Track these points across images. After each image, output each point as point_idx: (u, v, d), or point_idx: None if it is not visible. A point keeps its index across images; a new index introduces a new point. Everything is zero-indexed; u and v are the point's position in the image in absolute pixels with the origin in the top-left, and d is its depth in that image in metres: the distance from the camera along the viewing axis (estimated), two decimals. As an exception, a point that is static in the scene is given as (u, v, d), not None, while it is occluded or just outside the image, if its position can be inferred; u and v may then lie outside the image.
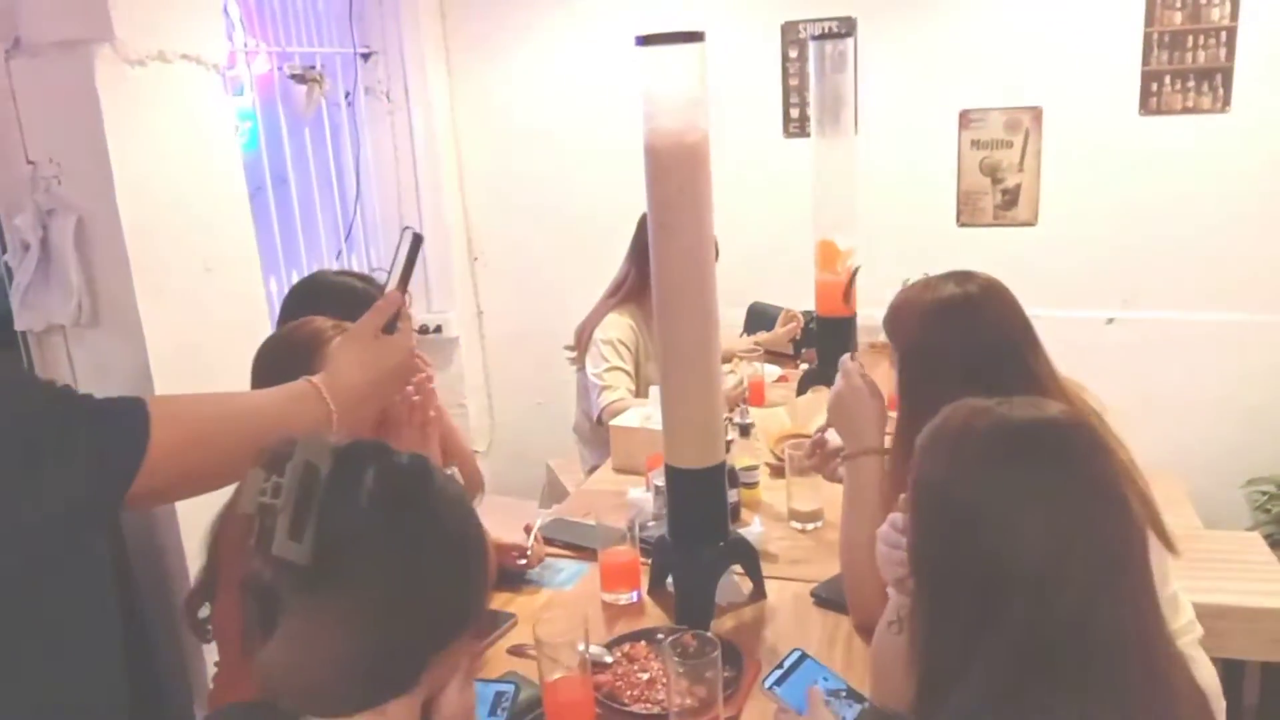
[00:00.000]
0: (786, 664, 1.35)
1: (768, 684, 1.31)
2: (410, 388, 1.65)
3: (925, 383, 1.45)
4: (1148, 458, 1.43)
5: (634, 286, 2.76)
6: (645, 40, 1.44)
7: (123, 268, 2.36)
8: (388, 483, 0.92)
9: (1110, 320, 3.33)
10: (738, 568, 1.75)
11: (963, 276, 1.51)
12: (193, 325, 2.49)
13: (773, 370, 3.02)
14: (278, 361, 1.61)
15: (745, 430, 2.14)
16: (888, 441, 1.61)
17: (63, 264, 2.34)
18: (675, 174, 1.51)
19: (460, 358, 3.84)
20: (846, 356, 1.71)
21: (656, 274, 1.58)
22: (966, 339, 1.44)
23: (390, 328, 1.25)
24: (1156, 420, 3.18)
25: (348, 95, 3.56)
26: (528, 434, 3.86)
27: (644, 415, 2.41)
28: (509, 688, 1.40)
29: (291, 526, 0.87)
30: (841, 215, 2.59)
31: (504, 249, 3.82)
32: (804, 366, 2.96)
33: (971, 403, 1.05)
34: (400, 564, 0.90)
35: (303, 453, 0.90)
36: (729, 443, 2.05)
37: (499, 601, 1.81)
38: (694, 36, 1.44)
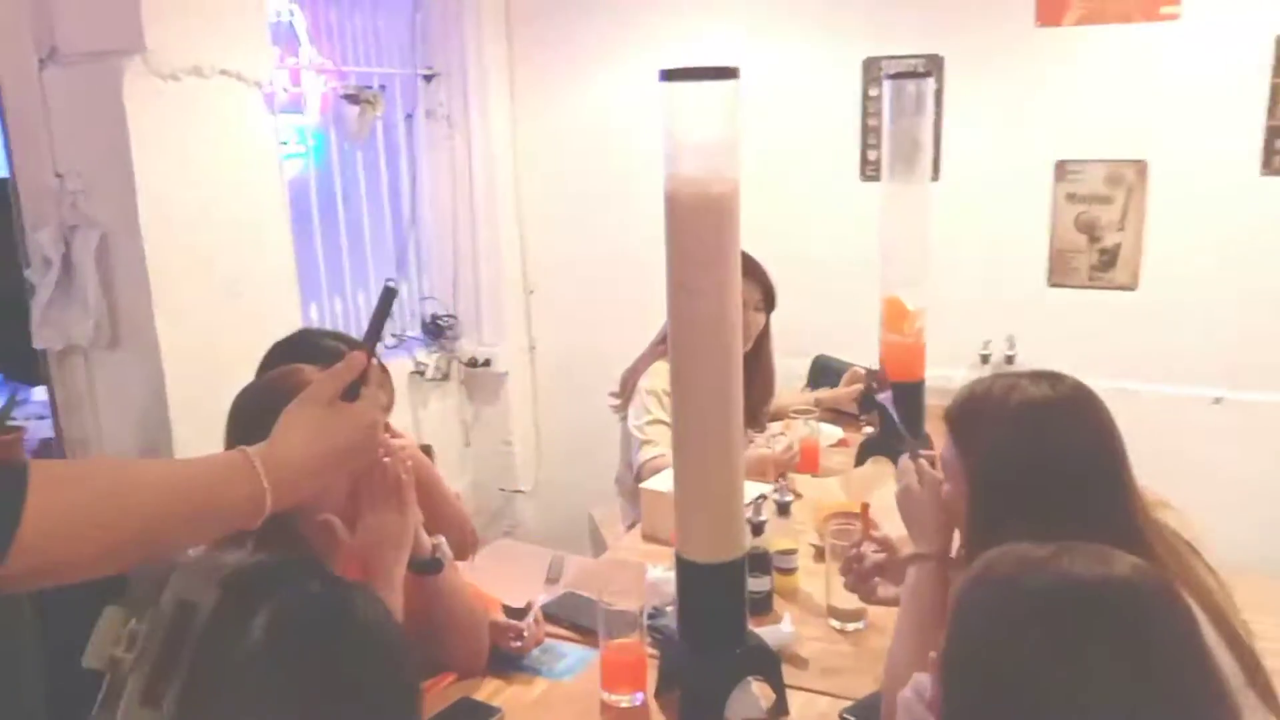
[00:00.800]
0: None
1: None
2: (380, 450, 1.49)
3: (995, 494, 1.25)
4: (1252, 556, 1.19)
5: None
6: (668, 75, 1.24)
7: (142, 288, 2.27)
8: (284, 625, 0.75)
9: (1217, 400, 2.99)
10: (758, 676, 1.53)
11: (1053, 378, 1.30)
12: (215, 349, 2.37)
13: (832, 432, 2.77)
14: (258, 414, 1.46)
15: (784, 509, 1.91)
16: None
17: (83, 282, 2.25)
18: (697, 228, 1.32)
19: (508, 394, 3.68)
20: (905, 458, 1.48)
21: (673, 338, 1.37)
22: (1052, 452, 1.23)
23: (351, 394, 1.08)
24: (1267, 514, 2.83)
25: (408, 117, 3.45)
26: (573, 477, 3.67)
27: (679, 479, 2.20)
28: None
29: (146, 690, 0.71)
30: (912, 270, 2.35)
31: (559, 282, 3.65)
32: (868, 431, 2.71)
33: (1021, 550, 0.83)
34: None
35: (177, 589, 0.73)
36: (760, 524, 1.83)
37: (487, 690, 1.62)
38: (726, 73, 1.24)
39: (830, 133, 3.27)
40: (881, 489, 1.96)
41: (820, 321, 3.17)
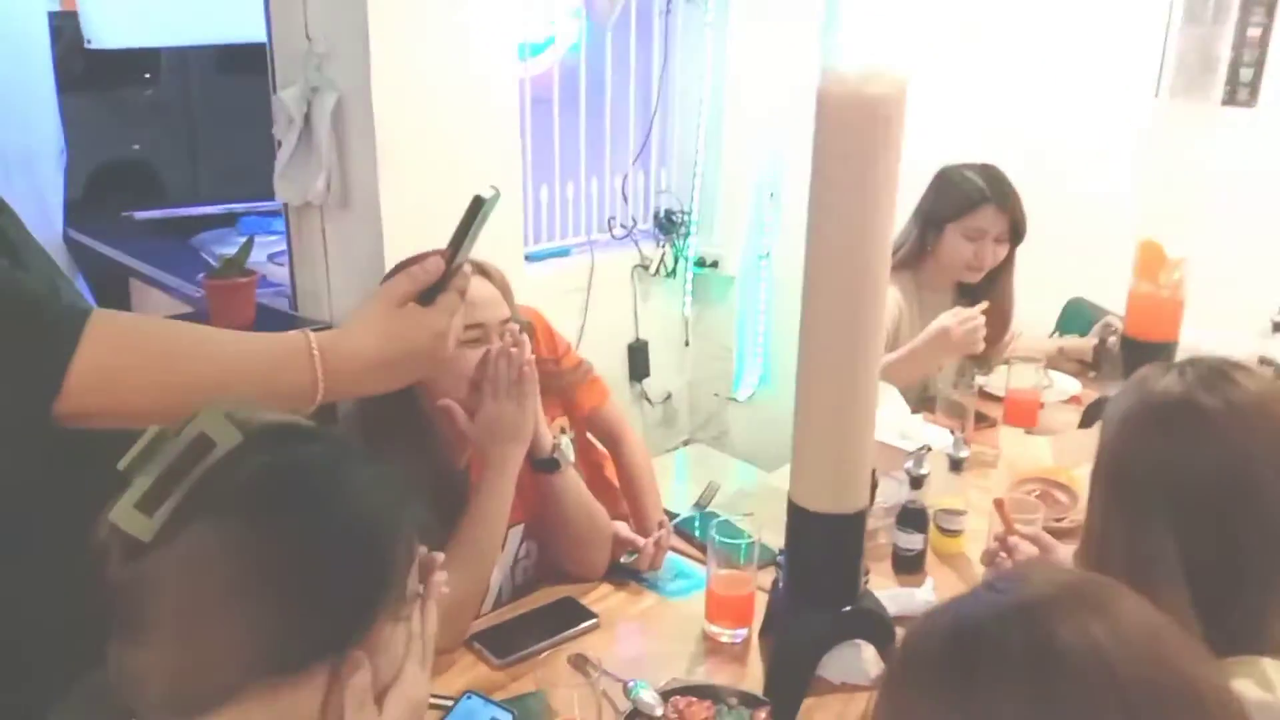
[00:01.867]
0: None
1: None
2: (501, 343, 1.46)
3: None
4: None
5: (912, 251, 2.33)
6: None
7: (369, 151, 2.36)
8: (264, 478, 0.75)
9: None
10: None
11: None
12: (431, 221, 2.44)
13: (1067, 386, 2.45)
14: None
15: (956, 465, 1.71)
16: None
17: (319, 141, 2.38)
18: (844, 137, 1.14)
19: (734, 298, 3.58)
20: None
21: (807, 264, 1.22)
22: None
23: (428, 298, 1.04)
24: None
25: (668, 2, 3.34)
26: (791, 394, 3.54)
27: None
28: (505, 717, 1.19)
29: (144, 497, 0.73)
30: (1177, 209, 1.97)
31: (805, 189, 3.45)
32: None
33: None
34: (261, 570, 0.73)
35: (204, 423, 0.75)
36: (920, 477, 1.64)
37: (592, 595, 1.59)
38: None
39: (1123, 43, 2.79)
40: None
41: (1081, 260, 2.78)
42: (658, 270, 3.43)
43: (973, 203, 2.23)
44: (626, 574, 1.64)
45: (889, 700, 0.68)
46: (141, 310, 3.56)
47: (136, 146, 5.87)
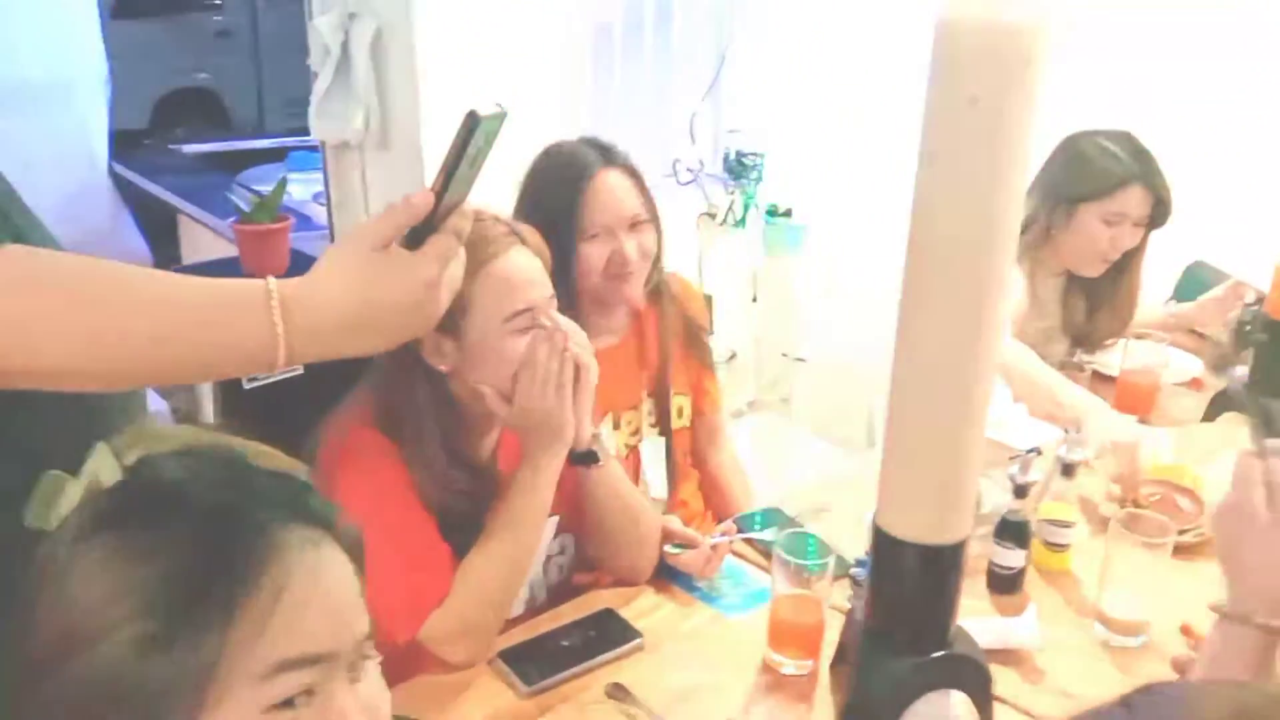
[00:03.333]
0: None
1: None
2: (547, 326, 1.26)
3: None
4: None
5: (1041, 231, 2.02)
6: None
7: (411, 87, 2.15)
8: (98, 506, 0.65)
9: None
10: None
11: None
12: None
13: (1184, 367, 2.16)
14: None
15: (1069, 470, 1.46)
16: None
17: (358, 74, 2.17)
18: (973, 76, 0.88)
19: (808, 250, 3.29)
20: (1248, 454, 0.99)
21: (911, 243, 0.97)
22: None
23: (415, 241, 0.83)
24: None
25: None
26: (863, 357, 3.28)
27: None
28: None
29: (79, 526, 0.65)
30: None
31: (908, 135, 3.13)
32: (1238, 373, 2.05)
33: None
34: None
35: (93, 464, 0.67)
36: (1025, 486, 1.40)
37: (639, 606, 1.39)
38: None
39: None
40: (1226, 460, 1.43)
41: (1208, 219, 2.45)
42: (725, 219, 3.18)
43: (1117, 182, 1.91)
44: (678, 577, 1.44)
45: None
46: (191, 250, 3.44)
47: (203, 75, 5.76)
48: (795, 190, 3.24)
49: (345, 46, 2.18)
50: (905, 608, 1.10)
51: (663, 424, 1.69)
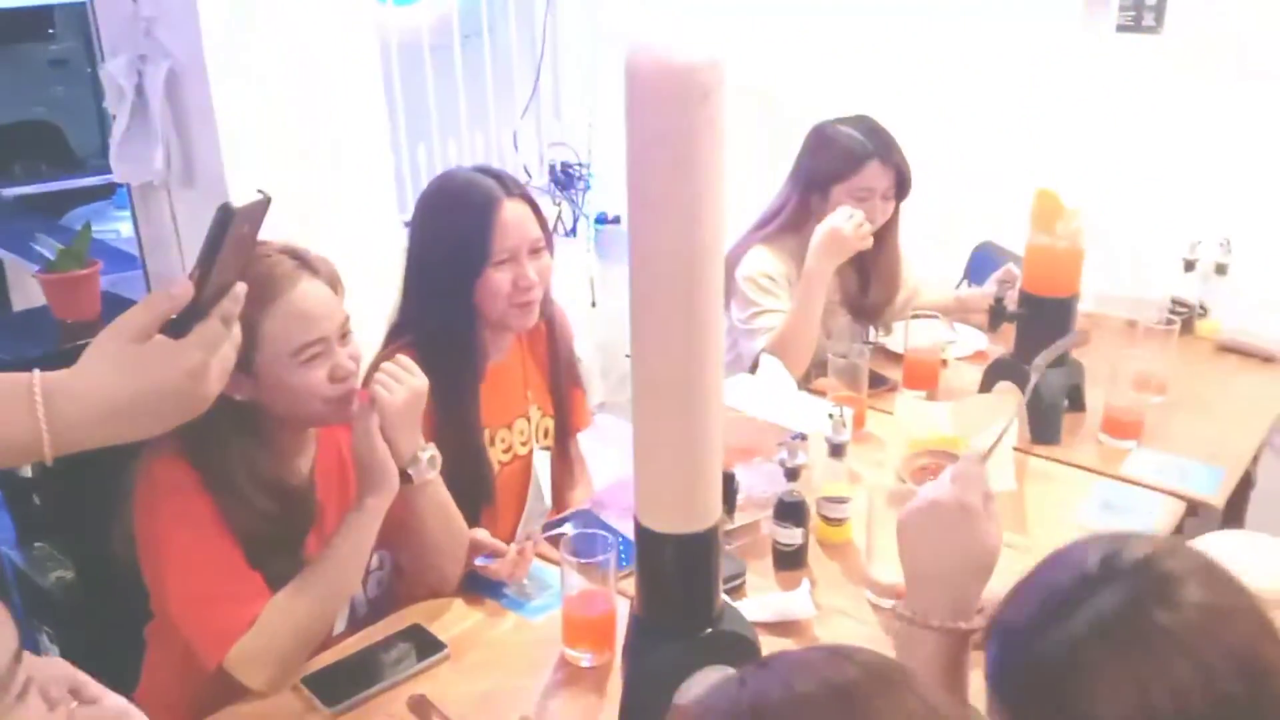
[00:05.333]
0: None
1: None
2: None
3: None
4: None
5: (795, 216, 2.18)
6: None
7: (209, 126, 2.16)
8: None
9: None
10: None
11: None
12: (288, 198, 2.22)
13: (971, 340, 2.34)
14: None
15: (837, 450, 1.59)
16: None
17: (154, 116, 2.17)
18: (658, 117, 0.99)
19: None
20: (969, 456, 1.08)
21: (632, 261, 1.07)
22: None
23: (181, 329, 0.86)
24: None
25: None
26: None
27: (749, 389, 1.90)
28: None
29: None
30: (1076, 155, 1.84)
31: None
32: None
33: None
34: None
35: None
36: (795, 469, 1.53)
37: (447, 617, 1.46)
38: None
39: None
40: (993, 427, 1.57)
41: (995, 204, 2.65)
42: (556, 228, 3.26)
43: (857, 160, 2.08)
44: (487, 587, 1.51)
45: None
46: (22, 298, 3.31)
47: (39, 108, 5.50)
48: (623, 197, 3.34)
49: (140, 89, 2.17)
50: (671, 594, 1.20)
51: (559, 437, 1.86)
